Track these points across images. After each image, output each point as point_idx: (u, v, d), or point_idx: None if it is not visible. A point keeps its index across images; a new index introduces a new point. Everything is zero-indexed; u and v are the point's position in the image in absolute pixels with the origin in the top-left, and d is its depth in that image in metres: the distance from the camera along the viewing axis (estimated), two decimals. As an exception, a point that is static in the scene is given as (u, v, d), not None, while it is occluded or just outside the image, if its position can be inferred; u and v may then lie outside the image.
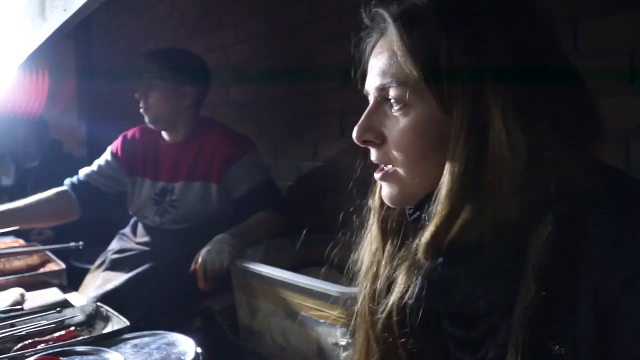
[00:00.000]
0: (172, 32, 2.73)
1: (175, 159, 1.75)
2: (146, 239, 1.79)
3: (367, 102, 0.66)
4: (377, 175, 0.65)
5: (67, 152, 2.99)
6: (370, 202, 0.72)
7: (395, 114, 0.61)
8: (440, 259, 0.61)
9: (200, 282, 1.38)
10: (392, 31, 0.60)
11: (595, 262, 0.52)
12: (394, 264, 0.67)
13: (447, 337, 0.65)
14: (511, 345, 0.56)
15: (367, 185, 0.73)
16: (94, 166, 1.90)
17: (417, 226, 0.63)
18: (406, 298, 0.64)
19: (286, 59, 1.96)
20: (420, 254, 0.59)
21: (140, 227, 1.84)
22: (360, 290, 0.73)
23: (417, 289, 0.64)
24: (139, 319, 1.35)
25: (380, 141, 0.62)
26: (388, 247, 0.69)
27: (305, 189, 1.91)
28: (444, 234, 0.57)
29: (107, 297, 1.54)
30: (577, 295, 0.53)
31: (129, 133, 1.89)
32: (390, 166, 0.63)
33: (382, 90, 0.62)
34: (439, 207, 0.57)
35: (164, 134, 1.79)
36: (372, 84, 0.63)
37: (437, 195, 0.57)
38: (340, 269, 1.20)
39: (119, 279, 1.65)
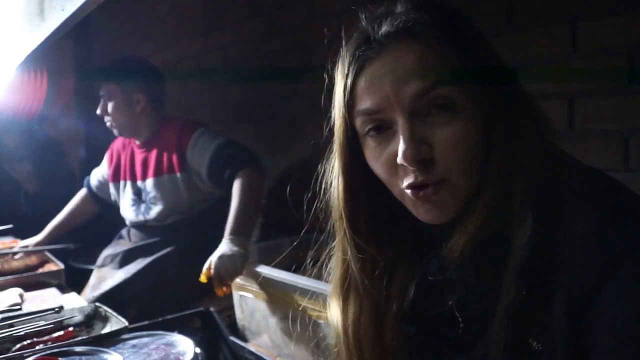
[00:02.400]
0: (171, 32, 2.73)
1: (144, 158, 1.82)
2: (137, 238, 1.85)
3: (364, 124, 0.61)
4: (426, 193, 0.58)
5: (64, 152, 2.93)
6: (342, 235, 0.67)
7: (442, 119, 0.57)
8: (436, 265, 0.62)
9: (217, 290, 1.38)
10: (426, 33, 0.57)
11: (569, 260, 0.53)
12: (383, 278, 0.67)
13: (441, 340, 0.65)
14: (493, 343, 0.57)
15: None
16: (97, 178, 2.05)
17: (433, 233, 0.63)
18: (402, 305, 0.65)
19: (286, 59, 1.96)
20: (456, 254, 0.59)
21: (131, 229, 1.91)
22: (343, 315, 0.70)
23: (411, 295, 0.64)
24: (134, 317, 1.36)
25: (430, 156, 0.57)
26: (367, 267, 0.67)
27: (304, 189, 1.91)
28: (478, 234, 0.57)
29: (104, 297, 1.56)
30: (553, 293, 0.54)
31: (115, 141, 1.99)
32: (437, 182, 0.58)
33: (421, 97, 0.56)
34: (480, 208, 0.57)
35: (116, 133, 1.86)
36: (403, 93, 0.57)
37: (479, 194, 0.58)
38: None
39: (112, 276, 1.70)
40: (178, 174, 1.72)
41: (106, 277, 1.72)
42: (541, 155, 0.57)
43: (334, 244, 0.70)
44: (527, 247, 0.55)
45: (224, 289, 1.37)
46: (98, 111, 1.79)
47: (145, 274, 1.67)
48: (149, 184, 1.78)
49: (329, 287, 0.73)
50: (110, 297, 1.56)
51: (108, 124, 1.81)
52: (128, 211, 1.87)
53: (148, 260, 1.71)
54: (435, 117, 0.57)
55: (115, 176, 1.94)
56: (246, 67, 2.18)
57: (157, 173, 1.77)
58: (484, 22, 0.64)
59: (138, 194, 1.84)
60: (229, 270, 1.36)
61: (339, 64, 0.63)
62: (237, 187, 1.57)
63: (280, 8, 1.97)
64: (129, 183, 1.87)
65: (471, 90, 0.57)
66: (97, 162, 2.09)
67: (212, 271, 1.36)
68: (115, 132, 1.82)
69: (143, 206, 1.81)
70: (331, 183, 0.68)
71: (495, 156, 0.58)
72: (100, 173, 2.04)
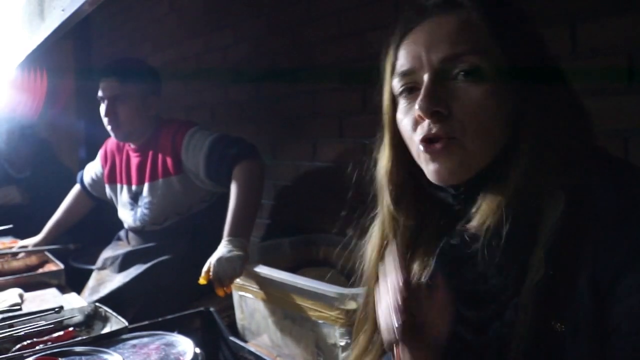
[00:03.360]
0: (171, 32, 2.73)
1: (139, 162, 1.79)
2: (135, 242, 1.85)
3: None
4: (436, 147, 0.61)
5: (57, 154, 2.81)
6: (379, 207, 0.72)
7: (466, 84, 0.60)
8: (458, 240, 0.63)
9: (218, 291, 1.37)
10: (468, 3, 0.61)
11: (596, 242, 0.54)
12: (407, 254, 0.69)
13: (457, 318, 0.66)
14: (518, 323, 0.57)
15: (364, 186, 0.74)
16: (90, 175, 2.04)
17: (455, 206, 0.65)
18: (422, 279, 0.66)
19: (286, 59, 1.96)
20: (474, 229, 0.61)
21: (129, 232, 1.90)
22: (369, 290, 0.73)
23: (431, 269, 0.66)
24: (135, 318, 1.36)
25: (447, 112, 0.60)
26: (398, 241, 0.70)
27: (303, 189, 1.91)
28: (500, 211, 0.58)
29: (104, 300, 1.55)
30: (579, 274, 0.55)
31: (108, 142, 1.95)
32: (449, 138, 0.61)
33: (450, 61, 0.60)
34: (507, 186, 0.58)
35: (113, 136, 1.81)
36: (434, 55, 0.61)
37: (507, 173, 0.59)
38: (338, 269, 1.20)
39: (112, 279, 1.69)
40: (174, 177, 1.69)
41: (105, 280, 1.71)
42: (575, 142, 0.59)
43: (376, 211, 0.74)
44: (558, 225, 0.55)
45: (225, 289, 1.36)
46: (103, 112, 1.71)
47: (144, 277, 1.66)
48: (146, 188, 1.76)
49: (366, 249, 0.76)
50: (109, 301, 1.56)
51: (110, 126, 1.73)
52: (125, 215, 1.85)
53: (148, 264, 1.69)
54: (459, 82, 0.60)
55: (111, 178, 1.92)
56: (246, 67, 2.18)
57: (152, 178, 1.74)
58: (527, 12, 0.66)
59: (134, 198, 1.82)
60: (227, 272, 1.34)
61: (391, 33, 0.68)
62: (235, 185, 1.53)
63: (280, 8, 1.97)
64: (125, 187, 1.85)
65: (502, 67, 0.59)
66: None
67: (211, 274, 1.35)
68: (115, 135, 1.76)
69: (139, 210, 1.79)
70: (377, 160, 0.73)
71: (526, 135, 0.59)
72: (93, 171, 2.01)
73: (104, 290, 1.63)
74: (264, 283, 1.29)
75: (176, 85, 2.62)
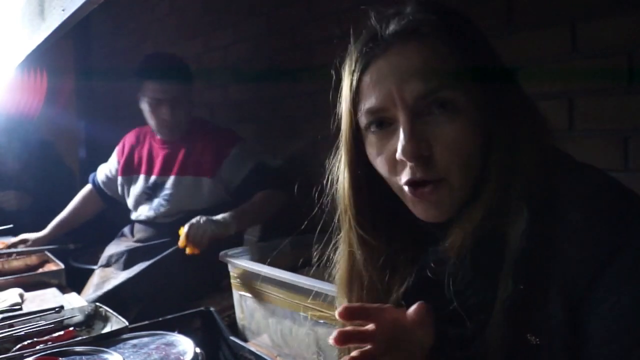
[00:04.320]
0: (171, 32, 2.73)
1: (168, 155, 1.82)
2: (141, 235, 1.85)
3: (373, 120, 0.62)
4: (424, 191, 0.59)
5: (58, 153, 2.81)
6: (344, 230, 0.69)
7: (443, 118, 0.58)
8: (434, 261, 0.63)
9: (187, 250, 1.48)
10: (433, 34, 0.58)
11: (564, 254, 0.54)
12: (386, 271, 0.68)
13: (439, 335, 0.66)
14: (493, 338, 0.57)
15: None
16: (105, 173, 2.02)
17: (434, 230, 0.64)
18: (401, 299, 0.66)
19: (285, 59, 1.96)
20: (452, 252, 0.60)
21: (136, 224, 1.90)
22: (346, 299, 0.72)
23: (409, 289, 0.65)
24: (137, 316, 1.36)
25: (429, 153, 0.58)
26: (373, 258, 0.68)
27: (303, 189, 1.91)
28: (475, 233, 0.58)
29: (106, 297, 1.56)
30: (549, 287, 0.55)
31: (128, 136, 1.97)
32: (435, 181, 0.60)
33: (424, 98, 0.58)
34: (478, 208, 0.58)
35: (157, 132, 1.85)
36: (406, 92, 0.58)
37: (479, 193, 0.59)
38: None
39: (116, 277, 1.70)
40: (206, 178, 1.76)
41: (110, 277, 1.71)
42: (539, 156, 0.58)
43: (339, 237, 0.71)
44: (522, 241, 0.56)
45: (194, 250, 1.49)
46: (167, 116, 1.75)
47: (149, 273, 1.67)
48: (170, 181, 1.79)
49: (335, 280, 0.74)
50: (114, 297, 1.57)
51: (163, 127, 1.78)
52: (137, 205, 1.85)
53: (153, 260, 1.70)
54: (436, 117, 0.58)
55: (127, 169, 1.91)
56: (246, 67, 2.18)
57: (181, 172, 1.78)
58: (484, 22, 0.64)
59: (152, 188, 1.83)
60: (198, 233, 1.47)
61: (347, 60, 0.65)
62: (258, 195, 1.69)
63: (280, 8, 1.97)
64: (142, 177, 1.86)
65: (473, 93, 0.58)
66: (97, 163, 2.09)
67: (184, 232, 1.47)
68: (163, 134, 1.81)
69: (156, 201, 1.81)
70: (338, 178, 0.70)
71: (494, 157, 0.59)
72: (108, 168, 2.01)
73: (108, 287, 1.63)
74: (264, 283, 1.29)
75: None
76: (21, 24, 1.01)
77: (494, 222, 0.58)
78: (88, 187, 2.06)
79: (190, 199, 1.77)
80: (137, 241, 1.85)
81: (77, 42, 3.66)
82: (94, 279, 1.73)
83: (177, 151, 1.80)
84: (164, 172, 1.81)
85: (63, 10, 0.76)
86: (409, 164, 0.59)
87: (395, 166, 0.61)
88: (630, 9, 1.03)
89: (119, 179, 1.94)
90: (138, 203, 1.86)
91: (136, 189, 1.87)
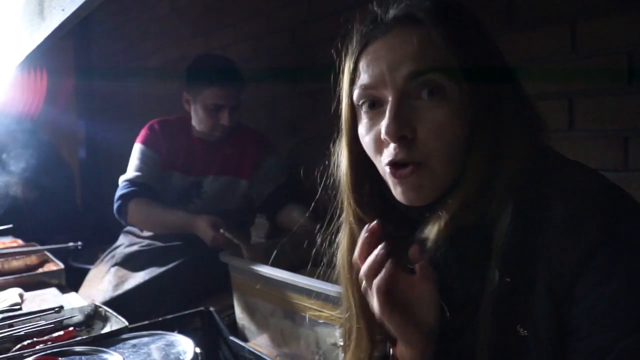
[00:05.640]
0: (171, 32, 2.73)
1: (207, 154, 1.79)
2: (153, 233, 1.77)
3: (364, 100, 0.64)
4: (404, 172, 0.60)
5: (58, 153, 2.81)
6: (345, 211, 0.71)
7: (431, 103, 0.59)
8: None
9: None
10: (428, 21, 0.60)
11: (549, 247, 0.55)
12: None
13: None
14: (481, 330, 0.58)
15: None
16: (142, 169, 1.76)
17: (418, 219, 0.65)
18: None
19: (285, 59, 1.96)
20: (430, 243, 0.60)
21: None
22: (348, 294, 0.73)
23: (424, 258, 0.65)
24: (138, 316, 1.35)
25: (413, 136, 0.59)
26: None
27: (303, 189, 1.91)
28: (452, 223, 0.58)
29: (126, 297, 1.55)
30: (536, 279, 0.56)
31: (153, 127, 1.82)
32: (416, 163, 0.61)
33: (413, 80, 0.59)
34: (456, 198, 0.59)
35: (202, 132, 1.77)
36: (397, 73, 0.60)
37: (459, 184, 0.60)
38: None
39: (135, 277, 1.64)
40: (244, 180, 1.79)
41: (128, 277, 1.65)
42: (525, 152, 0.59)
43: (342, 217, 0.73)
44: (508, 234, 0.57)
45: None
46: (226, 122, 1.71)
47: (166, 275, 1.64)
48: (208, 181, 1.78)
49: (337, 258, 0.75)
50: (133, 296, 1.54)
51: (219, 132, 1.75)
52: (170, 201, 1.76)
53: (175, 262, 1.67)
54: (424, 102, 0.60)
55: (167, 163, 1.77)
56: (246, 67, 2.18)
57: (219, 172, 1.78)
58: (484, 21, 0.65)
59: (190, 188, 1.78)
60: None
61: (349, 42, 0.67)
62: (284, 213, 1.75)
63: (280, 8, 1.97)
64: (177, 174, 1.77)
65: (463, 83, 0.59)
66: (97, 163, 2.08)
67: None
68: (212, 137, 1.77)
69: (190, 200, 1.77)
70: (338, 162, 0.72)
71: (475, 150, 0.59)
72: (148, 167, 1.75)
73: (128, 286, 1.59)
74: (264, 283, 1.29)
75: (176, 85, 2.62)
76: (21, 23, 1.01)
77: (475, 215, 0.58)
78: (137, 201, 1.70)
79: (222, 198, 1.77)
80: (149, 237, 1.76)
81: (77, 42, 3.67)
82: (110, 277, 1.66)
83: (216, 151, 1.79)
84: (203, 172, 1.78)
85: (63, 10, 0.76)
86: (392, 145, 0.60)
87: (380, 147, 0.63)
88: (630, 9, 1.03)
89: (160, 172, 1.78)
90: (171, 199, 1.77)
91: (171, 186, 1.78)
